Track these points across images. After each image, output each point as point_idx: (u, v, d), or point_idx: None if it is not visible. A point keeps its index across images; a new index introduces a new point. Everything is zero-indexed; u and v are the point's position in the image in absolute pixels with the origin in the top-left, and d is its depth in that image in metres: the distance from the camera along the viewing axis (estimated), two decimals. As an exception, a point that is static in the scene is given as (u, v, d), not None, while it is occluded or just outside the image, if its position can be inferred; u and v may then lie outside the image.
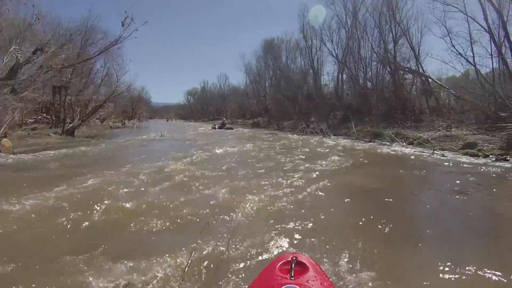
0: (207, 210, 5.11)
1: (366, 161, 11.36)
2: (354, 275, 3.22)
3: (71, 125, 20.88)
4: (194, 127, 42.83)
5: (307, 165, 9.67)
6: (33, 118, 23.11)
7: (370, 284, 3.07)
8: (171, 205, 5.33)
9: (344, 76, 34.28)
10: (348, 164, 10.17)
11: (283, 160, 10.87)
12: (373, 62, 28.98)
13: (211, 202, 5.54)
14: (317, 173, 8.38)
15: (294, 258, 1.81)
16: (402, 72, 26.53)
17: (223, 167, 9.07)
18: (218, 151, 12.78)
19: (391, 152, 13.95)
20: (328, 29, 34.08)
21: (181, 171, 8.17)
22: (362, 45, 29.85)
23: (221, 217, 4.83)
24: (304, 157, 11.61)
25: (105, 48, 18.82)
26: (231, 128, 36.30)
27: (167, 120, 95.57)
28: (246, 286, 2.29)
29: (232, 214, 4.94)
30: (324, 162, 10.19)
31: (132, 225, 4.49)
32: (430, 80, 24.87)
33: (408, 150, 14.34)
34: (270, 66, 46.87)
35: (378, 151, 14.41)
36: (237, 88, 67.49)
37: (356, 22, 29.87)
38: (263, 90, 50.82)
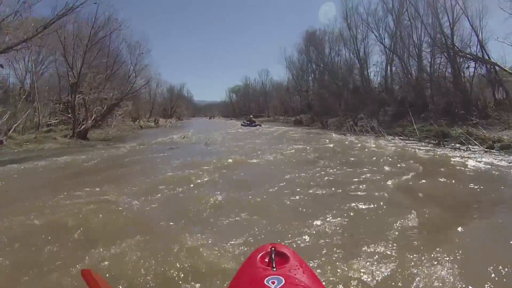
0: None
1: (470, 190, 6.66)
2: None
3: (83, 126, 19.22)
4: (229, 125, 41.87)
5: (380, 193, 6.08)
6: (56, 119, 22.00)
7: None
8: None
9: (394, 67, 31.23)
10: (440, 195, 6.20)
11: (337, 180, 7.24)
12: (427, 50, 25.73)
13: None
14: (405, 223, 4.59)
15: (273, 248, 1.77)
16: (462, 59, 23.21)
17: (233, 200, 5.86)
18: (237, 167, 9.16)
19: (482, 164, 9.27)
20: (373, 16, 31.18)
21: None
22: (413, 30, 26.72)
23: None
24: (367, 175, 7.83)
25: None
26: (259, 125, 35.92)
27: (209, 118, 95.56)
28: (228, 282, 1.76)
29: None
30: (403, 192, 6.47)
31: None
32: (497, 68, 21.47)
33: (501, 160, 9.98)
34: (313, 59, 43.99)
35: (462, 162, 9.71)
36: (279, 83, 65.18)
37: (406, 3, 26.75)
38: (305, 85, 48.04)
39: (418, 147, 13.76)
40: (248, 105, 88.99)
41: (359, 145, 14.69)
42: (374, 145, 14.32)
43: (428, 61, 25.91)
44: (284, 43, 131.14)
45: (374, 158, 10.54)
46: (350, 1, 33.73)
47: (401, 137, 17.94)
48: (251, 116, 43.60)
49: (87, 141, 18.06)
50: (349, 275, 3.11)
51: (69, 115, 20.77)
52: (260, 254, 1.76)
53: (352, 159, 10.71)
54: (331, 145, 14.79)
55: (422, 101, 24.46)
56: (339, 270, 3.18)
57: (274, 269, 1.58)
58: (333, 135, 20.89)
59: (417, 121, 21.85)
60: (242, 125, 37.35)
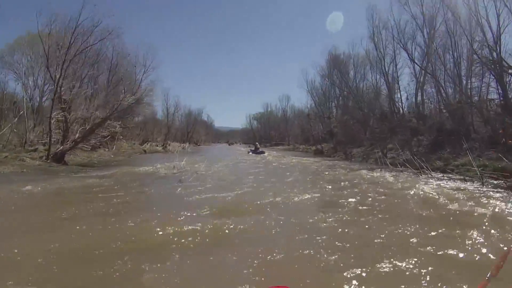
0: None
1: None
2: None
3: (60, 148, 16.29)
4: (237, 152, 40.24)
5: None
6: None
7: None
8: None
9: (426, 90, 27.66)
10: None
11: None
12: (468, 68, 22.01)
13: None
14: None
15: None
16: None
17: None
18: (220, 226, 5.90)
19: None
20: (403, 34, 27.76)
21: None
22: (450, 47, 23.11)
23: None
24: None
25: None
26: (263, 152, 35.19)
27: (229, 145, 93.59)
28: None
29: None
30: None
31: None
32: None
33: None
34: (336, 83, 40.60)
35: None
36: (301, 110, 61.86)
37: (443, 12, 23.32)
38: (328, 111, 44.53)
39: (490, 195, 8.99)
40: (268, 132, 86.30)
41: (407, 190, 9.89)
42: (429, 191, 9.76)
43: (469, 81, 22.26)
44: (306, 63, 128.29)
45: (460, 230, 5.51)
46: (377, 17, 30.40)
47: (444, 175, 13.98)
48: (257, 143, 43.86)
49: (61, 166, 15.20)
50: None
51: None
52: None
53: (424, 229, 5.63)
54: (364, 187, 10.81)
55: (464, 129, 20.70)
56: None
57: None
58: (362, 170, 16.50)
59: (460, 153, 18.22)
60: (248, 152, 37.17)
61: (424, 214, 6.90)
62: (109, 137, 21.26)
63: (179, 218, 6.21)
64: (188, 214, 6.59)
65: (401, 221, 6.03)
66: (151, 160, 21.36)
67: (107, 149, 27.82)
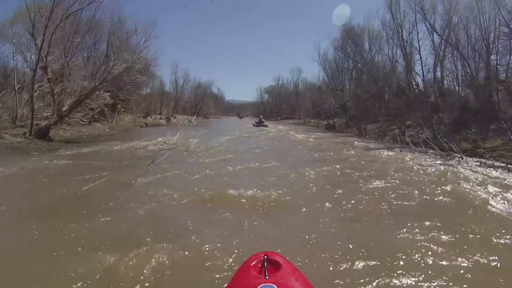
0: None
1: None
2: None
3: (44, 124, 14.97)
4: (243, 125, 39.53)
5: None
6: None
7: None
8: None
9: (449, 64, 25.73)
10: None
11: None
12: (499, 39, 20.01)
13: None
14: None
15: (266, 256, 1.83)
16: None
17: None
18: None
19: None
20: (421, 3, 25.55)
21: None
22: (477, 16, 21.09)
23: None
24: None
25: None
26: (266, 126, 35.91)
27: (239, 118, 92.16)
28: None
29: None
30: None
31: None
32: None
33: None
34: (350, 55, 38.43)
35: None
36: (313, 83, 59.62)
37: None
38: (341, 85, 42.52)
39: None
40: (279, 106, 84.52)
41: (448, 184, 7.59)
42: (483, 186, 7.48)
43: (496, 56, 20.37)
44: (319, 36, 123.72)
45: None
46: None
47: (485, 160, 12.09)
48: (261, 116, 45.55)
49: (43, 142, 13.84)
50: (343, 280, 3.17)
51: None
52: (253, 263, 1.82)
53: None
54: (387, 176, 8.68)
55: (491, 108, 18.99)
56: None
57: (267, 277, 1.61)
58: (378, 150, 14.47)
59: (488, 134, 16.66)
60: (253, 125, 38.15)
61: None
62: (98, 109, 19.69)
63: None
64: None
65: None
66: (147, 134, 19.92)
67: (106, 123, 26.60)
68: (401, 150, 14.25)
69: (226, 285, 1.81)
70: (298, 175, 8.51)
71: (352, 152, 13.59)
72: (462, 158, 11.88)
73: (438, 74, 27.24)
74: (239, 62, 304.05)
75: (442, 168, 9.87)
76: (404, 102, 27.15)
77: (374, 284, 3.19)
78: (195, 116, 60.57)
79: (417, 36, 28.18)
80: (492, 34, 20.45)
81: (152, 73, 47.85)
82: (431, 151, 14.02)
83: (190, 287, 3.30)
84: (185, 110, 67.72)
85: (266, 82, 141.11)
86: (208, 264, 3.57)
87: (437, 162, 11.50)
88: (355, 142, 18.88)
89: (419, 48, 28.44)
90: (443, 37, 24.31)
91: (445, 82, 27.02)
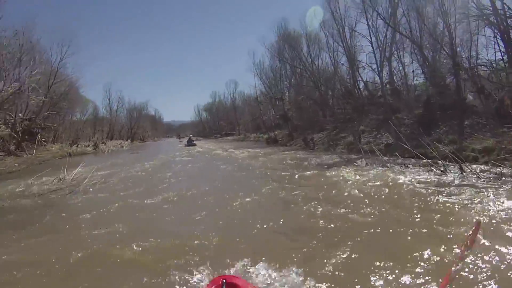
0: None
1: None
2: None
3: None
4: (178, 147, 35.05)
5: None
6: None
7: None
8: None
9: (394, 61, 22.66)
10: None
11: None
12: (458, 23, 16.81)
13: None
14: None
15: (224, 280, 1.90)
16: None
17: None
18: None
19: None
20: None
21: None
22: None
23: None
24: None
25: None
26: (195, 145, 35.63)
27: (179, 138, 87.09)
28: None
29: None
30: None
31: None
32: None
33: None
34: (288, 61, 34.66)
35: None
36: (250, 96, 55.42)
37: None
38: (280, 93, 38.49)
39: None
40: (218, 123, 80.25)
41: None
42: None
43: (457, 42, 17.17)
44: (253, 45, 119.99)
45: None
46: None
47: (484, 165, 8.54)
48: (190, 135, 45.36)
49: None
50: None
51: None
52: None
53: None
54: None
55: (461, 102, 15.70)
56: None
57: None
58: (334, 168, 10.37)
59: (464, 132, 13.29)
60: (185, 145, 36.56)
61: None
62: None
63: None
64: None
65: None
66: (57, 166, 14.85)
67: (25, 155, 21.41)
68: (366, 164, 10.27)
69: None
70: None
71: (301, 174, 9.40)
72: (462, 169, 8.04)
73: (386, 72, 24.09)
74: (175, 82, 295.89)
75: (453, 191, 6.10)
76: (352, 106, 23.73)
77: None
78: (128, 141, 54.79)
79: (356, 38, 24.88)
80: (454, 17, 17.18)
81: (79, 97, 42.40)
82: (406, 160, 10.20)
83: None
84: (121, 134, 61.77)
85: (204, 100, 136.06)
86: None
87: (428, 177, 7.74)
88: (303, 157, 14.82)
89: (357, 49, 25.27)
90: (392, 26, 20.86)
91: (394, 79, 23.73)
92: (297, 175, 9.02)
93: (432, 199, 5.58)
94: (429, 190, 6.24)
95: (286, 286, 3.05)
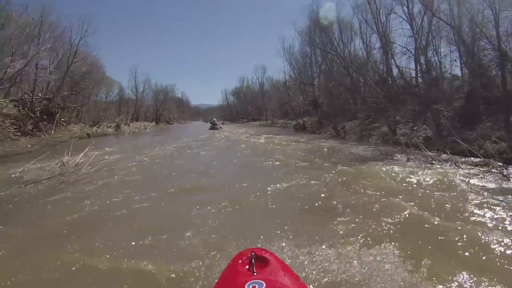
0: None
1: None
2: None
3: None
4: (203, 130, 34.83)
5: None
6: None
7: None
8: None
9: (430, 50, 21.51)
10: None
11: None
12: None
13: None
14: None
15: (253, 253, 1.79)
16: None
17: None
18: None
19: None
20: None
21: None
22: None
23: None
24: None
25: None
26: (220, 127, 38.42)
27: (206, 122, 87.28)
28: None
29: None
30: None
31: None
32: None
33: None
34: (319, 45, 33.52)
35: None
36: (278, 81, 54.54)
37: None
38: (310, 78, 37.45)
39: None
40: (245, 108, 79.58)
41: None
42: None
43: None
44: (284, 29, 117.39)
45: None
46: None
47: None
48: (214, 119, 47.45)
49: None
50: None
51: None
52: (241, 260, 1.77)
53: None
54: None
55: (506, 96, 14.61)
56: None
57: (255, 273, 1.58)
58: (376, 163, 9.16)
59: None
60: (209, 128, 37.56)
61: None
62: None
63: None
64: None
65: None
66: (73, 148, 14.49)
67: (42, 135, 21.35)
68: (408, 159, 9.35)
69: (215, 283, 1.61)
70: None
71: (341, 168, 8.55)
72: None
73: (422, 61, 22.86)
74: (204, 66, 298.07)
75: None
76: (386, 94, 22.70)
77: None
78: (153, 123, 54.93)
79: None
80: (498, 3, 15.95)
81: (104, 77, 42.52)
82: (452, 157, 9.25)
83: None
84: (147, 116, 61.99)
85: (232, 84, 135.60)
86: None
87: (488, 181, 6.75)
88: (335, 147, 14.03)
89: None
90: (431, 10, 19.58)
91: (433, 68, 22.50)
92: (333, 170, 8.17)
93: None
94: (501, 201, 5.34)
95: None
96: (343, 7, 54.04)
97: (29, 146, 17.03)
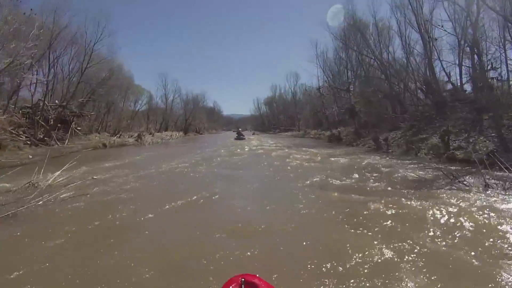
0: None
1: None
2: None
3: None
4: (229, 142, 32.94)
5: None
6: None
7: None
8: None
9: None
10: None
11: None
12: None
13: None
14: None
15: (243, 279, 1.82)
16: None
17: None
18: None
19: None
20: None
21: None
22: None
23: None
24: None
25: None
26: (244, 138, 38.15)
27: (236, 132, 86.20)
28: None
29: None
30: None
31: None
32: None
33: None
34: (355, 48, 31.28)
35: None
36: (310, 87, 52.05)
37: None
38: (346, 83, 34.87)
39: None
40: (277, 117, 77.75)
41: None
42: None
43: None
44: (317, 34, 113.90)
45: None
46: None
47: None
48: (239, 129, 47.67)
49: None
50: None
51: None
52: (231, 286, 1.79)
53: None
54: None
55: None
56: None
57: None
58: (440, 192, 6.88)
59: None
60: (235, 138, 38.58)
61: None
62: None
63: None
64: None
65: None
66: (79, 160, 12.45)
67: (55, 145, 20.45)
68: (486, 186, 7.08)
69: None
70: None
71: (396, 198, 6.58)
72: None
73: (468, 63, 20.50)
74: (236, 75, 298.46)
75: None
76: (432, 101, 20.41)
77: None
78: (180, 133, 53.98)
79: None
80: None
81: (131, 85, 41.86)
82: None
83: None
84: (177, 126, 61.14)
85: (264, 93, 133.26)
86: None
87: None
88: (380, 164, 11.97)
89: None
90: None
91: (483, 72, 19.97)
92: (388, 202, 6.11)
93: None
94: None
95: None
96: (380, 7, 51.59)
97: (31, 157, 15.82)
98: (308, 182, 8.70)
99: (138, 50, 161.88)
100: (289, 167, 12.26)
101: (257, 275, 2.02)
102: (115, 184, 8.83)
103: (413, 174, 9.32)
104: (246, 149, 22.34)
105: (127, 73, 40.93)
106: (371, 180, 8.66)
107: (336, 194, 7.19)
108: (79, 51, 26.43)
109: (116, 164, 13.22)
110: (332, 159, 14.16)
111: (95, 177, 9.67)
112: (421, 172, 9.60)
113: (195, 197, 7.07)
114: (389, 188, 7.55)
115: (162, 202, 6.55)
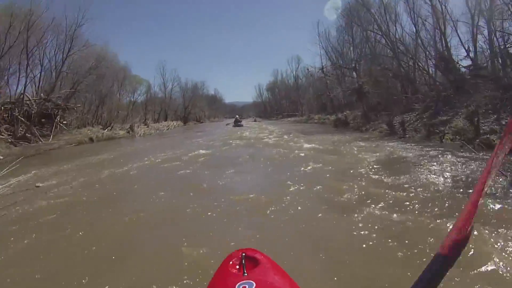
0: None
1: None
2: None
3: None
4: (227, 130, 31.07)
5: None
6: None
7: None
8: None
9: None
10: None
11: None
12: None
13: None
14: None
15: (244, 254, 1.71)
16: None
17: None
18: None
19: None
20: None
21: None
22: None
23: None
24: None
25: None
26: (242, 125, 38.14)
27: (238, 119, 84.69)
28: None
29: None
30: None
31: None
32: None
33: None
34: (359, 24, 29.11)
35: None
36: (314, 68, 49.75)
37: None
38: (353, 61, 32.87)
39: None
40: (280, 103, 75.80)
41: None
42: None
43: None
44: (319, 13, 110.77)
45: None
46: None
47: None
48: (237, 116, 47.15)
49: None
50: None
51: None
52: (231, 261, 1.70)
53: None
54: None
55: None
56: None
57: (245, 274, 1.50)
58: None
59: None
60: (233, 126, 38.51)
61: None
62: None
63: None
64: None
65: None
66: (53, 159, 11.35)
67: (38, 141, 18.92)
68: None
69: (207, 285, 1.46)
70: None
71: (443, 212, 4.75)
72: None
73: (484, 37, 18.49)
74: (238, 63, 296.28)
75: None
76: (449, 79, 18.34)
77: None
78: (177, 122, 52.14)
79: None
80: None
81: (124, 75, 39.96)
82: None
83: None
84: (177, 115, 59.38)
85: (266, 79, 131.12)
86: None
87: None
88: (402, 155, 9.90)
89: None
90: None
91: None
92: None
93: None
94: None
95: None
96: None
97: (1, 157, 13.96)
98: (316, 180, 6.75)
99: (139, 42, 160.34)
100: (291, 158, 10.32)
101: (258, 250, 1.75)
102: (54, 195, 6.82)
103: (447, 166, 7.37)
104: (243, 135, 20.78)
105: (123, 63, 39.23)
106: (402, 182, 6.54)
107: (359, 195, 5.28)
108: (63, 40, 24.37)
109: (78, 164, 11.21)
110: (346, 147, 12.18)
111: (40, 184, 7.72)
112: (457, 166, 7.47)
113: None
114: (423, 192, 5.61)
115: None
